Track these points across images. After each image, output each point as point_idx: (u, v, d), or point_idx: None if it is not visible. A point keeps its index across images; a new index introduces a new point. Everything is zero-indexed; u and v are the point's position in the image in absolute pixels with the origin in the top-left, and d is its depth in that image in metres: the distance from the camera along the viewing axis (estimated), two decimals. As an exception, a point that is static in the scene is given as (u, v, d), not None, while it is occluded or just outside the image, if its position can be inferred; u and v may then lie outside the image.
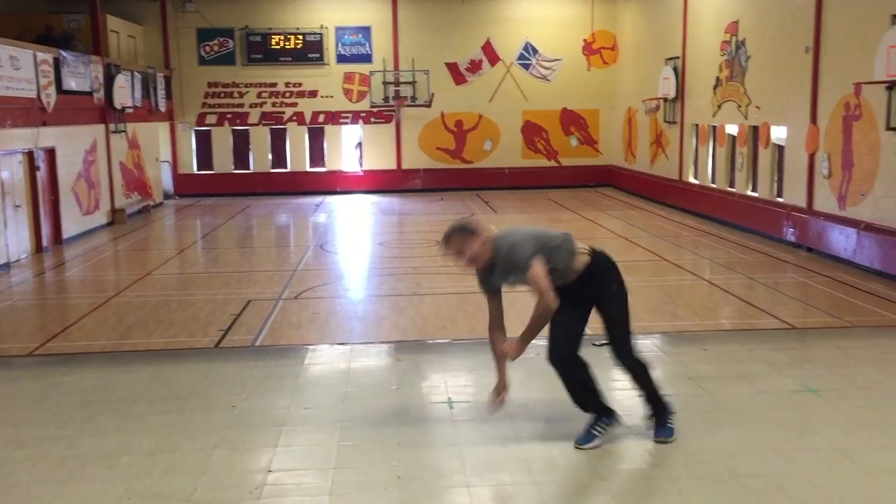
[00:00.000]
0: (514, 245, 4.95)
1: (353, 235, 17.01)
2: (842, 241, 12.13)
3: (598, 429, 5.22)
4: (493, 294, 5.20)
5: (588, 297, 5.16)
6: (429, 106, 23.88)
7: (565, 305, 5.07)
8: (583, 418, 5.31)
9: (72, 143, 16.21)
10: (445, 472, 4.88)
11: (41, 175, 14.85)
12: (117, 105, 18.15)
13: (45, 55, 14.84)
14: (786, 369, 6.79)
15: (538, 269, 4.90)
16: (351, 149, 24.77)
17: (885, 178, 11.33)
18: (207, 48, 23.56)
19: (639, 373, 5.30)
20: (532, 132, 24.64)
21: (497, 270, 5.04)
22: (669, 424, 5.31)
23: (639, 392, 5.38)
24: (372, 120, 24.27)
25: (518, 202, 21.15)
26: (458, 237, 5.00)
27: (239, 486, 4.75)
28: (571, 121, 24.81)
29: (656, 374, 6.47)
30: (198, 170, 24.13)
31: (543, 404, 5.94)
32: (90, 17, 18.72)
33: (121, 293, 11.02)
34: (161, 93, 21.88)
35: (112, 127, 18.23)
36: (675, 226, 16.60)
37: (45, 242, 14.71)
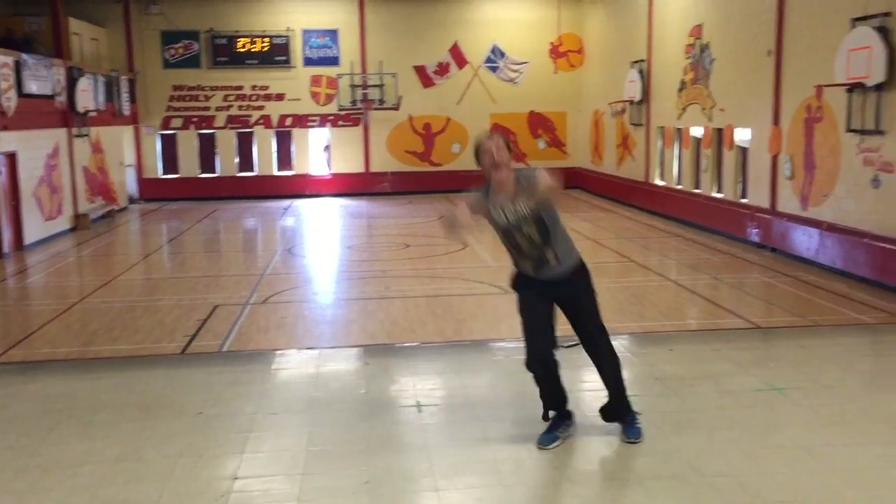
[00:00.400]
0: (535, 171, 5.06)
1: (322, 239, 16.93)
2: (805, 241, 12.32)
3: (561, 430, 5.31)
4: (477, 210, 5.14)
5: (563, 294, 5.20)
6: (397, 109, 23.85)
7: (537, 305, 5.14)
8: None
9: (33, 148, 15.95)
10: (414, 476, 4.87)
11: (2, 180, 14.60)
12: (80, 109, 17.90)
13: (6, 58, 14.60)
14: (750, 368, 6.88)
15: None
16: (319, 152, 24.66)
17: (846, 180, 11.53)
18: (172, 51, 23.32)
19: (615, 366, 5.37)
20: (500, 135, 24.66)
21: (519, 194, 5.02)
22: (637, 425, 5.36)
23: (609, 388, 5.40)
24: (340, 123, 24.19)
25: (486, 205, 21.17)
26: (502, 141, 5.10)
27: (205, 493, 4.70)
28: (539, 123, 24.94)
29: (624, 374, 6.54)
30: (163, 174, 23.86)
31: (511, 406, 5.96)
32: (52, 20, 18.43)
33: (85, 299, 10.86)
34: (125, 96, 21.63)
35: (75, 131, 17.97)
36: (642, 227, 16.75)
37: (6, 248, 14.45)
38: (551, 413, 5.38)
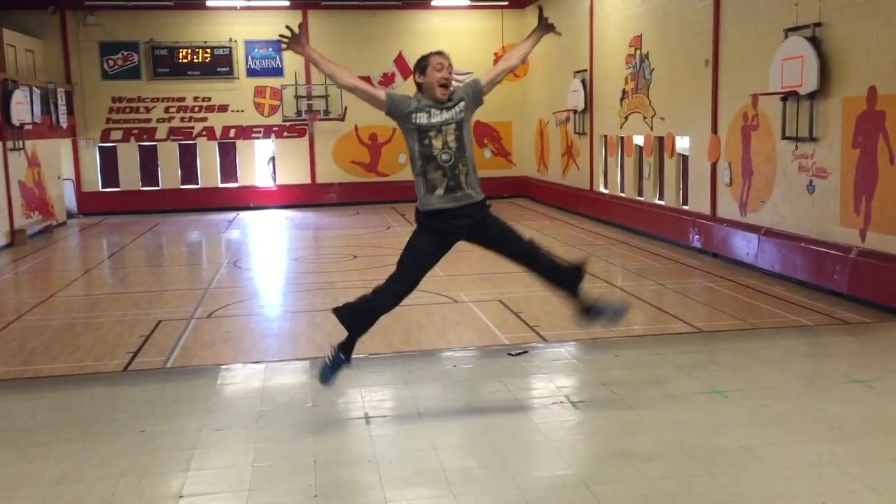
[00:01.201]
0: (473, 80, 5.61)
1: (268, 251, 16.76)
2: (744, 246, 12.61)
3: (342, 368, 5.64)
4: (386, 102, 5.46)
5: (477, 227, 5.45)
6: (342, 119, 23.78)
7: (425, 259, 5.50)
8: (499, 425, 5.35)
9: (-34, 162, 15.50)
10: (363, 489, 4.84)
11: (-67, 195, 14.15)
12: (15, 122, 17.44)
13: (-64, 70, 14.17)
14: (693, 372, 7.00)
15: None
16: (264, 164, 24.43)
17: (782, 185, 11.84)
18: (111, 62, 22.90)
19: (556, 259, 5.62)
20: (446, 145, 24.77)
21: (459, 100, 5.48)
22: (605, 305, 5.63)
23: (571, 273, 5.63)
24: (285, 134, 24.01)
25: (434, 214, 21.21)
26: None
27: (149, 513, 4.60)
28: (485, 133, 25.09)
29: (570, 380, 6.62)
30: (103, 187, 23.38)
31: (460, 416, 5.96)
32: (-16, 31, 17.99)
33: (22, 317, 10.56)
34: (62, 108, 21.14)
35: (10, 144, 17.50)
36: (588, 235, 16.95)
37: (-62, 266, 14.00)
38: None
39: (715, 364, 7.43)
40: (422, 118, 5.31)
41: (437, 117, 5.31)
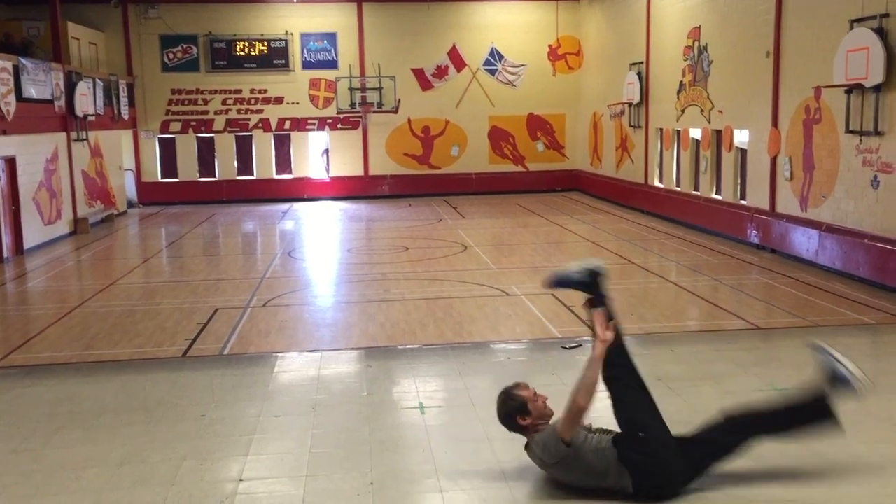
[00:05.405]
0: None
1: (321, 242, 16.93)
2: (804, 242, 12.34)
3: None
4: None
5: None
6: (395, 112, 23.88)
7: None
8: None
9: (32, 152, 15.95)
10: (418, 478, 4.88)
11: (1, 184, 14.60)
12: (79, 113, 17.90)
13: (4, 62, 14.59)
14: (752, 369, 6.89)
15: None
16: (317, 155, 24.68)
17: (845, 180, 11.55)
18: (171, 55, 23.34)
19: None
20: (499, 137, 24.75)
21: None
22: None
23: None
24: (339, 126, 24.21)
25: (486, 207, 21.23)
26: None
27: (209, 496, 4.70)
28: (538, 126, 24.97)
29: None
30: (162, 178, 23.87)
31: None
32: (50, 24, 18.44)
33: (85, 303, 10.86)
34: (124, 100, 21.63)
35: (74, 135, 17.98)
36: (642, 229, 16.76)
37: (5, 253, 14.45)
38: None
39: (774, 361, 7.30)
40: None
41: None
